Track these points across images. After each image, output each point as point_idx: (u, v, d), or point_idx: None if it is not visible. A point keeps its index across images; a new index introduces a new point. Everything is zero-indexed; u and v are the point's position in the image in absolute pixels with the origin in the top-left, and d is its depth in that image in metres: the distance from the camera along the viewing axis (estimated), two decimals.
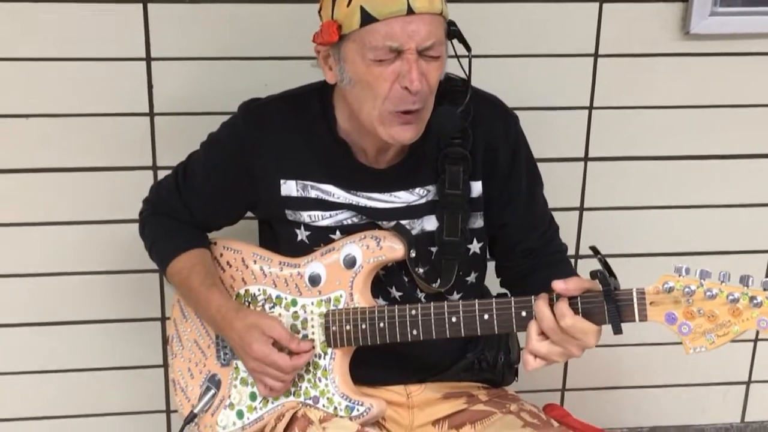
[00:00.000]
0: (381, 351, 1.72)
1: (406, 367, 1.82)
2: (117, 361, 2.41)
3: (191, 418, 1.85)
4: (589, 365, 2.57)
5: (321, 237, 1.77)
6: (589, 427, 1.97)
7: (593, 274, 1.50)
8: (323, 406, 1.72)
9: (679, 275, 1.45)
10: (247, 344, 1.70)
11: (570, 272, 1.73)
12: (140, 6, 2.12)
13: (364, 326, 1.68)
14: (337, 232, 1.77)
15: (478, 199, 1.78)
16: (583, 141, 2.35)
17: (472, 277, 1.83)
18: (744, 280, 1.43)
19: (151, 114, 2.21)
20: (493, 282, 1.91)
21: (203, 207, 1.87)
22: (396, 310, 1.66)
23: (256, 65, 2.18)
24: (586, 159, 2.37)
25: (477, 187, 1.77)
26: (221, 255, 1.88)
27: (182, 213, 1.88)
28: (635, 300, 1.49)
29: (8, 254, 2.29)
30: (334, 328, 1.71)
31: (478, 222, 1.80)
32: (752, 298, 1.42)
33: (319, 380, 1.73)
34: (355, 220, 1.76)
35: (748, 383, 2.64)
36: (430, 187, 1.76)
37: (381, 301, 1.77)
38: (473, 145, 1.75)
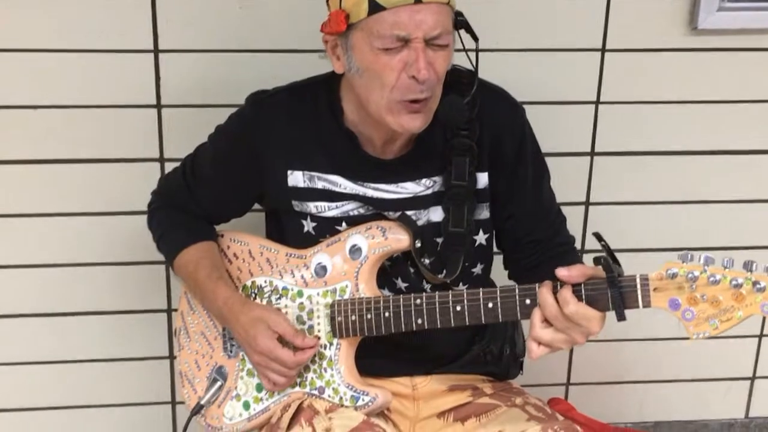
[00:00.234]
0: (387, 342, 1.72)
1: (412, 358, 1.82)
2: (123, 352, 2.42)
3: (198, 409, 1.86)
4: (594, 360, 2.58)
5: (327, 228, 1.78)
6: (593, 421, 1.97)
7: (597, 260, 1.50)
8: (329, 396, 1.73)
9: (683, 261, 1.46)
10: (252, 338, 1.70)
11: (577, 263, 1.73)
12: None
13: (369, 316, 1.69)
14: (343, 223, 1.77)
15: (484, 191, 1.78)
16: (589, 135, 2.35)
17: (478, 269, 1.84)
18: (747, 266, 1.43)
19: (159, 106, 2.22)
20: (499, 275, 1.91)
21: (211, 198, 1.88)
22: (401, 300, 1.67)
23: (264, 57, 2.18)
24: (592, 154, 2.37)
25: (483, 179, 1.78)
26: (228, 247, 1.89)
27: (190, 205, 1.89)
28: (639, 286, 1.49)
29: (15, 245, 2.29)
30: (339, 318, 1.72)
31: (484, 213, 1.80)
32: (755, 283, 1.42)
33: (325, 371, 1.74)
34: (362, 211, 1.77)
35: (752, 379, 2.64)
36: (437, 178, 1.76)
37: (387, 293, 1.78)
38: (479, 136, 1.75)
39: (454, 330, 1.71)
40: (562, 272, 1.53)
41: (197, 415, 1.87)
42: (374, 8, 1.57)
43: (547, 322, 1.55)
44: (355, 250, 1.73)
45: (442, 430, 1.81)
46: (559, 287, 1.54)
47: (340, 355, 1.73)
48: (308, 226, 1.79)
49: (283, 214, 1.82)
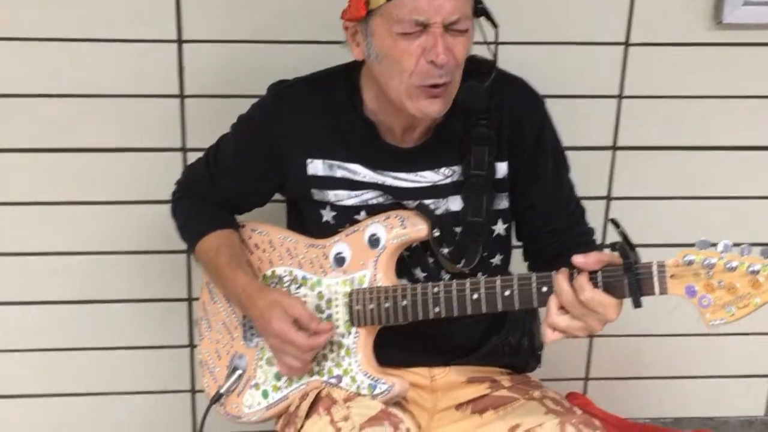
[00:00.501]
0: (406, 332, 1.73)
1: (431, 349, 1.82)
2: (144, 340, 2.43)
3: (217, 398, 1.87)
4: (613, 355, 2.57)
5: (346, 217, 1.79)
6: (611, 416, 1.97)
7: (613, 247, 1.50)
8: (346, 385, 1.74)
9: (700, 249, 1.45)
10: (267, 321, 1.71)
11: None
12: None
13: (387, 305, 1.69)
14: (362, 212, 1.78)
15: (503, 180, 1.78)
16: (611, 130, 2.34)
17: (497, 259, 1.84)
18: (765, 253, 1.42)
19: (182, 96, 2.23)
20: (519, 268, 1.91)
21: (233, 188, 1.90)
22: (418, 288, 1.67)
23: (286, 48, 2.19)
24: (614, 148, 2.36)
25: (502, 168, 1.78)
26: (249, 237, 1.90)
27: (213, 194, 1.91)
28: (655, 273, 1.48)
29: (38, 232, 2.31)
30: (357, 307, 1.73)
31: (503, 203, 1.80)
32: None
33: (343, 359, 1.75)
34: (381, 200, 1.77)
35: None
36: (456, 168, 1.77)
37: (405, 282, 1.77)
38: (499, 125, 1.75)
39: (472, 321, 1.72)
40: (578, 259, 1.52)
41: (216, 404, 1.88)
42: None
43: (563, 309, 1.55)
44: (373, 240, 1.74)
45: (460, 422, 1.81)
46: (575, 274, 1.53)
47: (358, 343, 1.74)
48: (327, 215, 1.80)
49: (303, 203, 1.83)
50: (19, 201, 2.28)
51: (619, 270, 1.50)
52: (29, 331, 2.40)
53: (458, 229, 1.78)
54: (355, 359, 1.74)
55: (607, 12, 2.24)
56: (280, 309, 1.71)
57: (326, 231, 1.80)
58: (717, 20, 2.23)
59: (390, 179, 1.77)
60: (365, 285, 1.74)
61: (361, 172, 1.77)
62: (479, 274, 1.79)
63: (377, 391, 1.71)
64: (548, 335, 1.57)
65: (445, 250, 1.77)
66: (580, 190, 1.91)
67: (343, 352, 1.75)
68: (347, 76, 1.79)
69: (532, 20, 2.24)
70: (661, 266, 1.48)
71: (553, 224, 1.83)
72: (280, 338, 1.71)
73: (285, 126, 1.79)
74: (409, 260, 1.79)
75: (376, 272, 1.73)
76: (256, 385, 1.84)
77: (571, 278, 1.53)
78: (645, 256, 1.54)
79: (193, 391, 2.49)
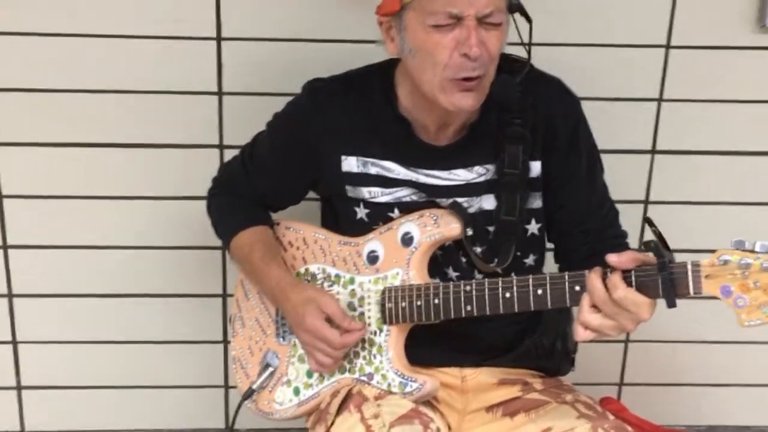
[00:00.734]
0: (437, 331, 1.72)
1: (462, 349, 1.82)
2: (178, 335, 2.46)
3: (249, 394, 1.88)
4: (648, 361, 2.55)
5: (380, 214, 1.79)
6: (645, 422, 1.94)
7: (647, 245, 1.48)
8: (377, 382, 1.73)
9: (736, 248, 1.44)
10: (301, 316, 1.72)
11: None
12: None
13: (419, 303, 1.69)
14: (396, 210, 1.78)
15: (537, 179, 1.77)
16: (651, 133, 2.32)
17: (530, 260, 1.83)
18: None
19: (220, 93, 2.25)
20: (552, 270, 1.89)
21: (268, 185, 1.91)
22: (451, 286, 1.67)
23: (324, 47, 2.20)
24: (653, 152, 2.34)
25: (536, 167, 1.77)
26: (283, 235, 1.91)
27: (248, 192, 1.92)
28: (690, 272, 1.46)
29: (77, 227, 2.34)
30: (390, 304, 1.73)
31: (536, 202, 1.79)
32: None
33: (374, 357, 1.75)
34: (414, 197, 1.77)
35: None
36: (489, 166, 1.76)
37: (438, 282, 1.76)
38: (533, 124, 1.75)
39: (505, 322, 1.71)
40: (612, 258, 1.51)
41: (248, 400, 1.89)
42: None
43: (595, 307, 1.53)
44: (407, 238, 1.74)
45: (491, 424, 1.80)
46: (609, 273, 1.52)
47: (390, 341, 1.73)
48: (361, 212, 1.80)
49: (337, 200, 1.84)
50: (58, 195, 2.31)
51: (653, 269, 1.48)
52: (66, 324, 2.43)
53: (491, 228, 1.77)
54: (386, 357, 1.73)
55: (648, 14, 2.22)
56: (314, 305, 1.71)
57: (360, 228, 1.80)
58: (761, 24, 2.20)
59: (423, 177, 1.76)
60: (397, 283, 1.73)
61: (395, 169, 1.77)
62: (512, 275, 1.77)
63: (408, 389, 1.71)
64: (579, 333, 1.55)
65: (478, 249, 1.76)
66: (618, 194, 1.89)
67: (374, 350, 1.75)
68: (383, 74, 1.80)
69: (572, 22, 2.22)
70: (696, 266, 1.47)
71: (585, 225, 1.82)
72: (312, 334, 1.71)
73: (320, 123, 1.79)
74: (441, 259, 1.78)
75: (409, 270, 1.73)
76: (288, 382, 1.85)
77: (604, 277, 1.52)
78: (682, 260, 1.52)
79: (226, 387, 2.51)
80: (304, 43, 2.21)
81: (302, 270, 1.86)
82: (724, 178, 2.36)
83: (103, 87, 2.22)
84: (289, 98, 1.91)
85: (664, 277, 1.47)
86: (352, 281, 1.79)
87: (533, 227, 1.81)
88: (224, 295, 2.42)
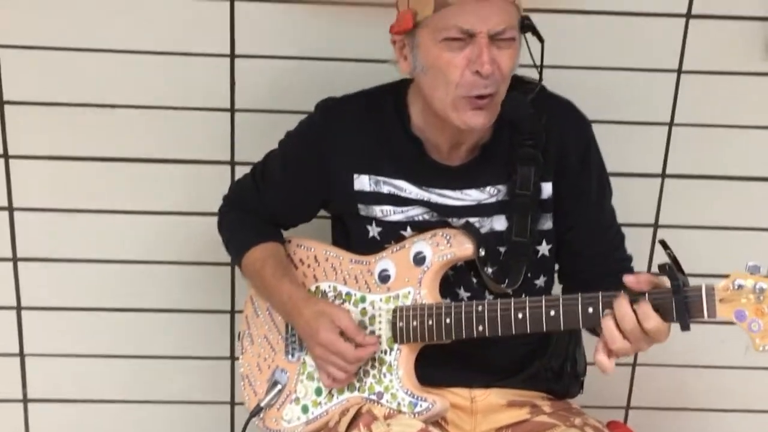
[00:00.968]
0: (447, 352, 1.72)
1: (472, 369, 1.82)
2: (186, 350, 2.45)
3: (257, 411, 1.88)
4: (655, 384, 2.54)
5: (392, 233, 1.79)
6: None
7: (662, 268, 1.49)
8: (387, 401, 1.73)
9: (751, 273, 1.45)
10: (314, 330, 1.72)
11: None
12: (228, 3, 2.16)
13: (430, 322, 1.69)
14: (408, 228, 1.79)
15: (548, 201, 1.78)
16: (661, 157, 2.32)
17: (540, 281, 1.83)
18: None
19: (232, 110, 2.25)
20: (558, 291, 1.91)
21: (280, 202, 1.91)
22: (463, 306, 1.67)
23: (337, 66, 2.20)
24: (663, 176, 2.34)
25: (547, 188, 1.78)
26: (294, 253, 1.92)
27: (260, 209, 1.93)
28: (704, 296, 1.47)
29: (86, 241, 2.34)
30: (401, 323, 1.73)
31: (547, 224, 1.80)
32: None
33: (384, 376, 1.74)
34: (426, 216, 1.78)
35: None
36: (501, 187, 1.77)
37: (449, 301, 1.76)
38: (545, 146, 1.76)
39: (515, 343, 1.71)
40: (630, 279, 1.52)
41: (256, 417, 1.89)
42: (440, 4, 1.61)
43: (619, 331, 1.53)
44: (419, 258, 1.74)
45: None
46: (637, 300, 1.52)
47: (400, 360, 1.73)
48: (373, 231, 1.81)
49: (349, 218, 1.84)
50: (69, 208, 2.31)
51: (668, 292, 1.49)
52: (73, 337, 2.42)
53: (502, 249, 1.78)
54: (396, 376, 1.73)
55: (661, 39, 2.22)
56: (327, 319, 1.72)
57: (372, 247, 1.80)
58: None
59: (435, 196, 1.77)
60: (409, 302, 1.74)
61: (407, 188, 1.78)
62: (523, 296, 1.78)
63: (418, 408, 1.71)
64: (607, 365, 1.55)
65: (489, 270, 1.76)
66: (628, 217, 1.91)
67: (384, 368, 1.75)
68: (395, 94, 1.81)
69: (584, 44, 2.22)
70: (710, 290, 1.47)
71: (592, 248, 1.83)
72: (326, 348, 1.71)
73: (333, 141, 1.81)
74: (453, 279, 1.79)
75: (421, 290, 1.73)
76: (296, 400, 1.85)
77: (632, 302, 1.52)
78: (692, 284, 1.52)
79: (233, 404, 2.50)
80: (317, 61, 2.21)
81: (313, 288, 1.86)
82: (733, 202, 2.36)
83: (115, 102, 2.22)
84: (301, 116, 1.92)
85: (679, 301, 1.48)
86: (363, 300, 1.79)
87: (544, 248, 1.81)
88: (232, 311, 2.41)
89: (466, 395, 1.84)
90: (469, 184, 1.77)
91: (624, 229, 1.92)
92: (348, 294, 1.81)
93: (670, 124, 2.30)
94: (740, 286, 1.45)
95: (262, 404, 1.87)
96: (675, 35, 2.22)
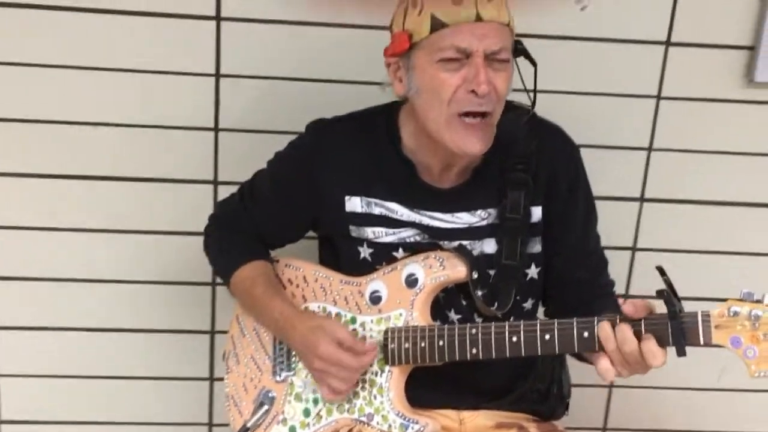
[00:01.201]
0: (436, 373, 1.73)
1: (461, 391, 1.82)
2: (164, 371, 2.42)
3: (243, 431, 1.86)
4: (631, 406, 2.56)
5: (384, 254, 1.79)
6: None
7: (660, 293, 1.51)
8: (377, 423, 1.73)
9: (745, 300, 1.47)
10: (313, 344, 1.70)
11: (616, 308, 1.73)
12: (213, 23, 2.16)
13: (423, 344, 1.69)
14: (400, 250, 1.79)
15: (537, 224, 1.80)
16: (640, 181, 2.36)
17: (528, 304, 1.85)
18: None
19: (216, 129, 2.24)
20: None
21: (268, 222, 1.91)
22: (456, 329, 1.67)
23: (323, 87, 2.21)
24: (642, 199, 2.37)
25: (537, 213, 1.80)
26: (282, 273, 1.91)
27: (247, 228, 1.92)
28: (700, 322, 1.49)
29: (65, 260, 2.31)
30: (392, 345, 1.73)
31: (536, 247, 1.82)
32: None
33: (375, 397, 1.74)
34: (418, 238, 1.79)
35: None
36: (491, 210, 1.78)
37: (439, 324, 1.77)
38: (535, 171, 1.78)
39: (502, 366, 1.71)
40: (628, 308, 1.53)
41: None
42: (436, 26, 1.62)
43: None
44: (411, 280, 1.74)
45: None
46: (618, 322, 1.54)
47: (391, 382, 1.73)
48: (365, 252, 1.81)
49: (340, 239, 1.84)
50: (46, 227, 2.28)
51: (664, 318, 1.51)
52: (50, 358, 2.39)
53: (492, 272, 1.79)
54: (387, 398, 1.73)
55: (640, 66, 2.26)
56: (323, 331, 1.71)
57: (363, 268, 1.80)
58: (749, 78, 2.26)
59: (427, 219, 1.78)
60: (400, 324, 1.74)
61: (398, 210, 1.78)
62: (511, 319, 1.79)
63: (410, 430, 1.71)
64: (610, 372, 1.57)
65: (479, 293, 1.77)
66: (606, 240, 1.92)
67: (375, 390, 1.74)
68: (386, 116, 1.82)
69: (564, 69, 2.26)
70: (706, 316, 1.50)
71: (577, 273, 1.84)
72: (327, 360, 1.69)
73: (324, 163, 1.81)
74: (443, 302, 1.79)
75: (413, 312, 1.73)
76: (284, 421, 1.83)
77: (614, 325, 1.54)
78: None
79: (211, 425, 2.48)
80: (301, 82, 2.22)
81: (302, 308, 1.85)
82: (709, 227, 2.40)
83: (98, 120, 2.21)
84: (285, 136, 1.93)
85: (675, 326, 1.50)
86: (353, 321, 1.78)
87: (533, 272, 1.82)
88: (212, 332, 2.40)
89: (454, 417, 1.85)
90: (460, 207, 1.78)
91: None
92: (338, 315, 1.80)
93: (649, 149, 2.34)
94: (736, 313, 1.47)
95: (249, 425, 1.84)
96: (654, 62, 2.27)
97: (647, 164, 2.35)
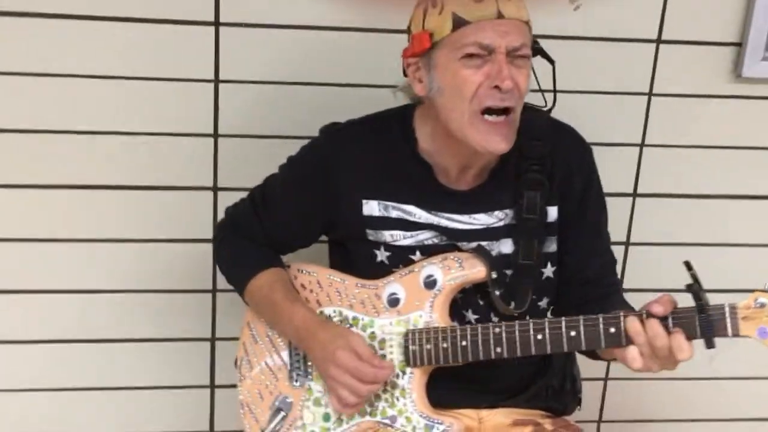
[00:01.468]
0: (454, 373, 1.74)
1: (479, 390, 1.84)
2: (164, 379, 2.41)
3: None
4: (626, 398, 2.61)
5: (401, 257, 1.80)
6: None
7: (689, 287, 1.54)
8: (401, 425, 1.74)
9: None
10: (331, 352, 1.71)
11: (623, 305, 1.77)
12: (212, 28, 2.15)
13: (445, 345, 1.70)
14: (418, 252, 1.80)
15: (553, 224, 1.82)
16: (632, 177, 2.40)
17: (544, 303, 1.87)
18: None
19: (215, 135, 2.23)
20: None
21: (281, 227, 1.90)
22: (479, 329, 1.69)
23: (323, 91, 2.21)
24: (635, 195, 2.42)
25: (553, 212, 1.82)
26: (295, 278, 1.90)
27: (259, 234, 1.91)
28: (728, 315, 1.52)
29: (65, 270, 2.29)
30: (413, 347, 1.73)
31: (552, 246, 1.84)
32: None
33: (397, 399, 1.75)
34: (436, 240, 1.80)
35: None
36: (508, 211, 1.80)
37: (456, 324, 1.78)
38: (551, 171, 1.80)
39: (519, 364, 1.73)
40: (657, 309, 1.55)
41: None
42: (458, 23, 1.64)
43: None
44: (429, 281, 1.75)
45: None
46: (645, 318, 1.56)
47: (413, 383, 1.74)
48: (382, 255, 1.81)
49: (355, 243, 1.84)
50: (46, 238, 2.26)
51: (692, 311, 1.54)
52: (52, 369, 2.36)
53: (509, 272, 1.81)
54: (410, 399, 1.74)
55: (632, 63, 2.30)
56: (344, 341, 1.71)
57: (380, 271, 1.81)
58: (736, 74, 2.31)
59: (445, 220, 1.79)
60: (420, 325, 1.75)
61: (416, 213, 1.79)
62: (527, 317, 1.81)
63: (435, 431, 1.72)
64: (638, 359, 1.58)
65: (497, 293, 1.79)
66: None
67: (397, 392, 1.75)
68: (400, 118, 1.82)
69: (559, 68, 2.27)
70: (733, 308, 1.53)
71: (586, 272, 1.86)
72: (343, 369, 1.69)
73: (340, 167, 1.81)
74: (461, 302, 1.80)
75: (432, 313, 1.74)
76: (303, 426, 1.83)
77: (641, 320, 1.56)
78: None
79: None
80: (302, 87, 2.22)
81: (317, 313, 1.85)
82: (702, 220, 2.45)
83: (98, 128, 2.19)
84: (286, 141, 1.94)
85: (703, 320, 1.53)
86: (371, 324, 1.79)
87: (548, 271, 1.85)
88: (213, 339, 2.39)
89: (474, 416, 1.86)
90: (477, 208, 1.79)
91: None
92: (355, 318, 1.81)
93: (641, 145, 2.38)
94: (762, 305, 1.51)
95: (266, 431, 1.86)
96: (646, 59, 2.31)
97: (639, 160, 2.39)
